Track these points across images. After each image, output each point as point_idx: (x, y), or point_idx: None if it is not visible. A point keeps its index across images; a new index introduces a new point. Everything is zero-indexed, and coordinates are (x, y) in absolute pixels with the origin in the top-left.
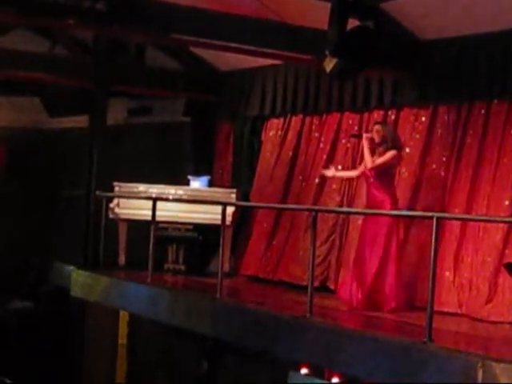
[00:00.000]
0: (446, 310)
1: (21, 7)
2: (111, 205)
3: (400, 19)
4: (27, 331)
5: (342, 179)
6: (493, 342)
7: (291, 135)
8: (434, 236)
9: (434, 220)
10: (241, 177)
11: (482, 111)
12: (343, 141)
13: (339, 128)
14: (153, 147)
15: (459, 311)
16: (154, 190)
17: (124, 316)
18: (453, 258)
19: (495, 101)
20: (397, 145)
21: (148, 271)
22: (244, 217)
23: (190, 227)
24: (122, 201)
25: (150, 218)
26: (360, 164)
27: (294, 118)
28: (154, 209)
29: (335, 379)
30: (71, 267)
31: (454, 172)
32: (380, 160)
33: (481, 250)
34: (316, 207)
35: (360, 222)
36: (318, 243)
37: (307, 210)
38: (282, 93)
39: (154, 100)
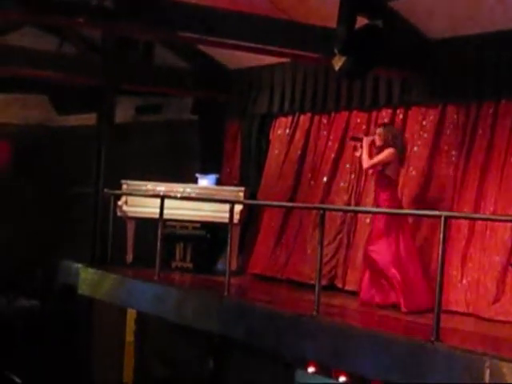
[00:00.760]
0: (453, 309)
1: (29, 5)
2: (119, 203)
3: (409, 18)
4: (34, 329)
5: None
6: (500, 341)
7: (299, 134)
8: (441, 235)
9: (442, 219)
10: (249, 175)
11: (491, 111)
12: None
13: (347, 127)
14: (161, 145)
15: (467, 310)
16: (162, 187)
17: (131, 314)
18: (460, 257)
19: (503, 101)
20: (396, 144)
21: (155, 269)
22: (252, 215)
23: (198, 225)
24: (130, 199)
25: (157, 215)
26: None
27: (302, 117)
28: (161, 207)
29: (342, 378)
30: (79, 265)
31: (462, 171)
32: (375, 159)
33: (488, 249)
34: (324, 206)
35: (368, 220)
36: (325, 242)
37: (315, 208)
38: (290, 91)
39: (163, 98)
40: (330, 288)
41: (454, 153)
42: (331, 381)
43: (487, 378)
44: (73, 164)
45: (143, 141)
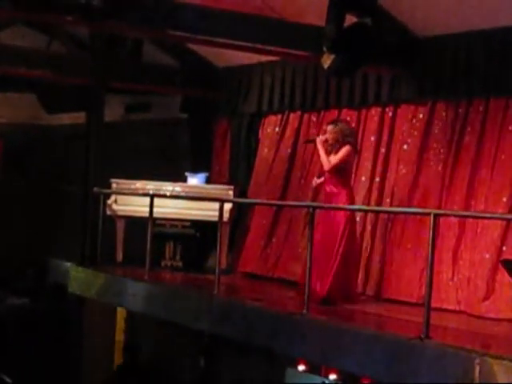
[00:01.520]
0: (444, 306)
1: (18, 3)
2: (109, 201)
3: (397, 16)
4: (25, 328)
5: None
6: (491, 338)
7: (289, 132)
8: (431, 233)
9: (432, 217)
10: (238, 173)
11: (480, 108)
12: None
13: None
14: (150, 144)
15: (458, 308)
16: (152, 186)
17: (121, 312)
18: (451, 255)
19: (493, 98)
20: (350, 140)
21: (145, 268)
22: (241, 214)
23: (188, 224)
24: (120, 197)
25: (147, 214)
26: None
27: (291, 115)
28: (151, 205)
29: (332, 376)
30: (69, 264)
31: (451, 169)
32: (335, 159)
33: (479, 246)
34: (313, 204)
35: (358, 218)
36: None
37: (304, 206)
38: (279, 89)
39: (152, 96)
40: None
41: (443, 150)
42: (321, 379)
43: (477, 376)
44: (62, 163)
45: (132, 139)
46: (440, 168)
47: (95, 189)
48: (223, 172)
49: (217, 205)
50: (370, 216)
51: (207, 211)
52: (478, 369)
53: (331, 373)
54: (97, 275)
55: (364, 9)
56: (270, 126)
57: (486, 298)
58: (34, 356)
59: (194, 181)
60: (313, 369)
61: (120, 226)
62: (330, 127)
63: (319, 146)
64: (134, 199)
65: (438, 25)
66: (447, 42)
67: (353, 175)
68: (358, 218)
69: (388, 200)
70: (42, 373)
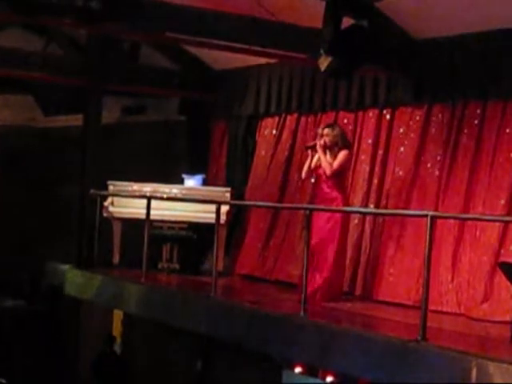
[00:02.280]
0: (444, 309)
1: (15, 5)
2: (105, 203)
3: (394, 18)
4: (21, 330)
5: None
6: (488, 341)
7: (286, 134)
8: (428, 235)
9: (428, 219)
10: (235, 176)
11: (477, 111)
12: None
13: None
14: (147, 146)
15: (458, 311)
16: (149, 188)
17: (118, 315)
18: (451, 258)
19: (490, 100)
20: (347, 144)
21: (142, 270)
22: (239, 216)
23: (185, 226)
24: (116, 199)
25: (144, 216)
26: None
27: (288, 117)
28: (148, 207)
29: (329, 378)
30: (65, 266)
31: (448, 171)
32: (336, 164)
33: (477, 249)
34: (310, 206)
35: (356, 220)
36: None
37: (301, 208)
38: (276, 92)
39: (149, 99)
40: None
41: (440, 153)
42: (318, 381)
43: (474, 378)
44: (59, 165)
45: (129, 141)
46: (437, 170)
47: (92, 191)
48: (220, 174)
49: (214, 207)
50: (368, 218)
51: (204, 213)
52: (474, 371)
53: (328, 375)
54: (93, 277)
55: (361, 11)
56: (267, 129)
57: (484, 301)
58: (30, 358)
59: (191, 183)
60: (310, 371)
61: (117, 228)
62: (326, 130)
63: (319, 150)
64: (130, 201)
65: (434, 27)
66: (444, 45)
67: (349, 179)
68: (356, 221)
69: (385, 202)
70: (38, 375)
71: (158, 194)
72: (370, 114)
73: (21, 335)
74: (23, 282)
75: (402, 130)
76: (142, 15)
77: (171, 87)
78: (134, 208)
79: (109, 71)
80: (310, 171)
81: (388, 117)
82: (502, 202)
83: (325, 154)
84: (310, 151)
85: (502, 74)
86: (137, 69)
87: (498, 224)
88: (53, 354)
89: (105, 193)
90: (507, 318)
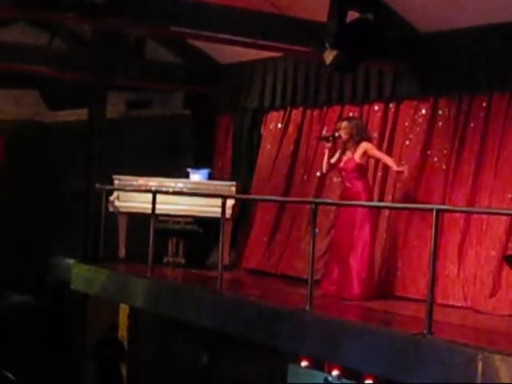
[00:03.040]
0: (451, 303)
1: (20, 0)
2: (111, 198)
3: (400, 11)
4: (27, 325)
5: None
6: (495, 334)
7: (292, 128)
8: (433, 228)
9: (434, 212)
10: (240, 170)
11: (484, 104)
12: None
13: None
14: (152, 140)
15: (464, 304)
16: (154, 183)
17: (124, 309)
18: (457, 252)
19: (496, 93)
20: (366, 136)
21: (148, 264)
22: (244, 210)
23: (190, 220)
24: (122, 194)
25: (149, 211)
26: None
27: (294, 111)
28: (153, 202)
29: (335, 372)
30: (71, 261)
31: (455, 165)
32: (380, 154)
33: (484, 243)
34: (315, 200)
35: None
36: (318, 236)
37: (307, 202)
38: (281, 85)
39: (154, 93)
40: None
41: (446, 146)
42: (324, 375)
43: (480, 371)
44: (64, 159)
45: (134, 136)
46: (443, 164)
47: (97, 185)
48: (225, 168)
49: (219, 201)
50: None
51: (210, 207)
52: (480, 364)
53: (334, 369)
54: (99, 272)
55: (366, 4)
56: (273, 122)
57: (492, 295)
58: (36, 353)
59: (197, 177)
60: (316, 365)
61: (122, 222)
62: (344, 123)
63: (375, 151)
64: (136, 196)
65: (440, 20)
66: (450, 38)
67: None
68: None
69: (390, 196)
70: (45, 370)
71: (164, 189)
72: (376, 108)
73: (27, 330)
74: (29, 277)
75: (407, 124)
76: (147, 9)
77: (176, 81)
78: (139, 202)
79: (114, 66)
80: (331, 166)
81: (393, 110)
82: (509, 195)
83: (344, 150)
84: (326, 144)
85: (508, 67)
86: (141, 63)
87: (505, 218)
88: (59, 349)
89: (110, 187)
90: None
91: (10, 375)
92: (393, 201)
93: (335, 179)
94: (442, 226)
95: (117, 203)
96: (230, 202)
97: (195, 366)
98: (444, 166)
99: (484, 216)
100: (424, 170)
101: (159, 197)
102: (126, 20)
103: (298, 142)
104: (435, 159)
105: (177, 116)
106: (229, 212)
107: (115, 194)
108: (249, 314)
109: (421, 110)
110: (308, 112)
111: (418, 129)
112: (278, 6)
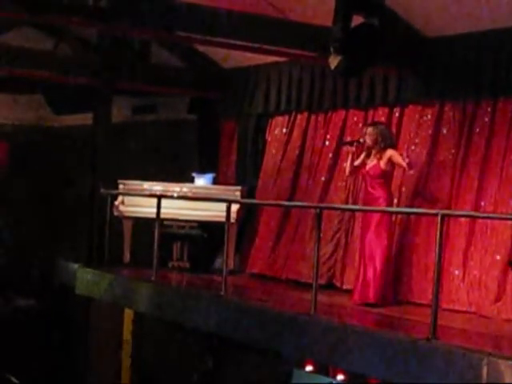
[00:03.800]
0: (456, 308)
1: (25, 4)
2: (116, 202)
3: (405, 16)
4: (31, 329)
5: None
6: (500, 339)
7: (296, 133)
8: (438, 233)
9: (439, 217)
10: (245, 174)
11: (489, 109)
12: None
13: (345, 125)
14: (157, 145)
15: (469, 309)
16: (159, 187)
17: (129, 313)
18: (462, 256)
19: (501, 98)
20: (391, 142)
21: (153, 269)
22: (249, 215)
23: (195, 225)
24: (127, 198)
25: (154, 215)
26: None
27: (299, 116)
28: (158, 206)
29: (340, 376)
30: (76, 265)
31: (460, 170)
32: (401, 161)
33: (489, 247)
34: (320, 204)
35: None
36: (323, 241)
37: (311, 207)
38: (286, 90)
39: (159, 98)
40: (329, 287)
41: (451, 151)
42: (328, 380)
43: (485, 376)
44: (69, 164)
45: (139, 140)
46: (448, 169)
47: (102, 190)
48: (230, 173)
49: (224, 205)
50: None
51: (214, 212)
52: (485, 369)
53: (338, 373)
54: (104, 276)
55: (371, 9)
56: (278, 127)
57: (497, 300)
58: (40, 357)
59: (201, 181)
60: (320, 369)
61: (127, 226)
62: (369, 129)
63: (396, 154)
64: (141, 200)
65: (445, 25)
66: (454, 42)
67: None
68: None
69: (396, 201)
70: (48, 374)
71: (169, 193)
72: (380, 112)
73: (31, 334)
74: (33, 281)
75: (412, 128)
76: (152, 14)
77: (181, 86)
78: (144, 207)
79: (119, 70)
80: (354, 169)
81: (398, 115)
82: None
83: (368, 154)
84: (350, 148)
85: None
86: (147, 68)
87: (510, 222)
88: (63, 353)
89: (115, 192)
90: None
91: (13, 379)
92: (398, 205)
93: (339, 183)
94: (448, 230)
95: (122, 208)
96: (234, 207)
97: (199, 370)
98: (449, 171)
99: (489, 221)
100: (429, 175)
101: (164, 201)
102: (131, 24)
103: (302, 146)
104: (440, 164)
105: (182, 121)
106: (233, 216)
107: (120, 198)
108: (253, 319)
109: (426, 115)
110: (313, 117)
111: (423, 133)
112: (282, 11)
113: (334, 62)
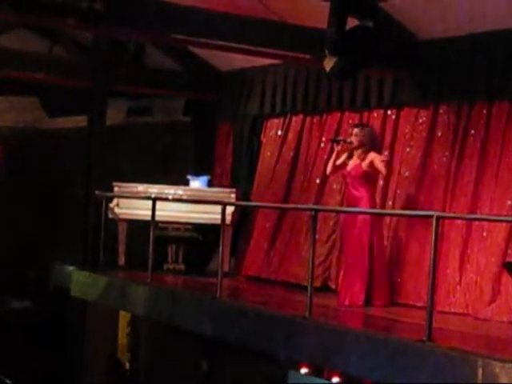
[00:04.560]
0: (452, 310)
1: (20, 7)
2: (111, 205)
3: (400, 18)
4: (27, 331)
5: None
6: (495, 341)
7: (291, 135)
8: (433, 235)
9: (434, 219)
10: (240, 177)
11: (484, 111)
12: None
13: (339, 127)
14: (152, 147)
15: (466, 311)
16: (154, 189)
17: (124, 316)
18: (458, 258)
19: (496, 101)
20: (375, 145)
21: (148, 271)
22: (244, 217)
23: (190, 227)
24: (122, 201)
25: (149, 217)
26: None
27: (294, 118)
28: (153, 209)
29: (335, 379)
30: (71, 267)
31: (455, 172)
32: (381, 167)
33: (484, 250)
34: (315, 206)
35: None
36: (319, 243)
37: (307, 209)
38: (281, 92)
39: (154, 100)
40: (324, 289)
41: (447, 153)
42: (324, 382)
43: (480, 378)
44: (64, 166)
45: (134, 143)
46: (444, 171)
47: (97, 192)
48: (225, 175)
49: (219, 208)
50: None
51: (209, 214)
52: (480, 371)
53: (334, 375)
54: (99, 278)
55: (366, 11)
56: (273, 129)
57: (492, 302)
58: (36, 359)
59: (196, 184)
60: (315, 372)
61: (122, 229)
62: (356, 130)
63: (376, 156)
64: (136, 202)
65: (440, 27)
66: (450, 45)
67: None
68: None
69: (391, 203)
70: (44, 376)
71: (164, 195)
72: (375, 115)
73: (27, 336)
74: (29, 283)
75: (407, 131)
76: (147, 17)
77: (176, 88)
78: (139, 209)
79: (114, 72)
80: (335, 168)
81: (393, 117)
82: (509, 202)
83: (352, 154)
84: (335, 146)
85: (509, 74)
86: (142, 70)
87: (505, 224)
88: (59, 355)
89: (110, 194)
90: None
91: (8, 381)
92: (393, 208)
93: (334, 185)
94: (443, 232)
95: (117, 210)
96: (229, 209)
97: (195, 373)
98: (444, 173)
99: (484, 223)
100: (424, 177)
101: (159, 204)
102: (126, 27)
103: (297, 148)
104: (435, 166)
105: (177, 123)
106: (228, 219)
107: (115, 200)
108: (248, 321)
109: (421, 117)
110: (308, 119)
111: (418, 136)
112: (278, 14)
113: (328, 64)
